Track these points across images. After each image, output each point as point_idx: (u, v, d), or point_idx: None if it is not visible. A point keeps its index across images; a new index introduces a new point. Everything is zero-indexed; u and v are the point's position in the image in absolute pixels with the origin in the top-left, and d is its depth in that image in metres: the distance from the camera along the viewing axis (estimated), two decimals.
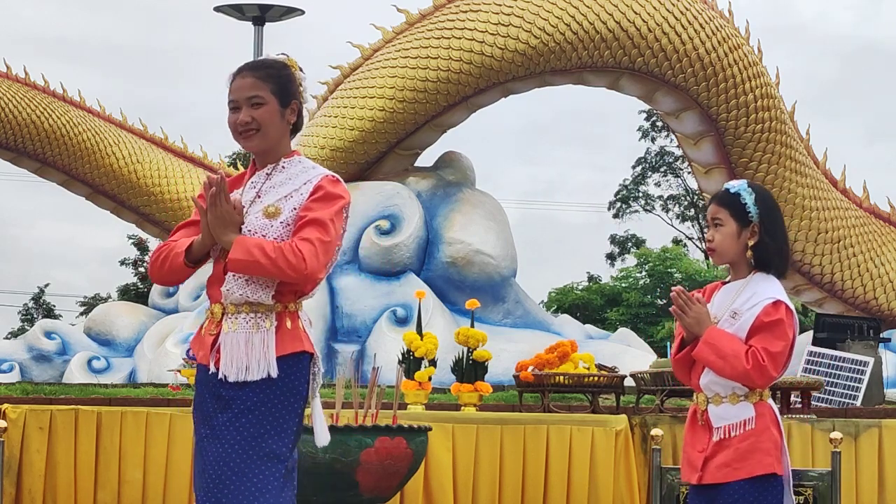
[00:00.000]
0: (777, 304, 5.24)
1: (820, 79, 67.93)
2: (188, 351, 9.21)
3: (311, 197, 4.90)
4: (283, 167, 4.97)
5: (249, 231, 4.86)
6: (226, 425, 4.80)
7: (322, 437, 5.02)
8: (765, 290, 5.28)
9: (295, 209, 4.90)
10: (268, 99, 4.93)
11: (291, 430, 4.87)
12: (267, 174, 4.97)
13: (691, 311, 5.28)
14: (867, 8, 69.36)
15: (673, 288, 5.32)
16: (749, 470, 5.20)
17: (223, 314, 4.89)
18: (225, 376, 4.82)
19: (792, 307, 5.30)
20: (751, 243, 5.32)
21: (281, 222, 4.88)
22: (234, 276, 4.85)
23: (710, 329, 5.25)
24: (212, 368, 4.85)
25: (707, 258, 46.95)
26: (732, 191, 5.36)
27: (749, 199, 5.32)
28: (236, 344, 4.83)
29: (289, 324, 4.90)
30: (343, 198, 4.94)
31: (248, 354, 4.82)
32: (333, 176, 4.98)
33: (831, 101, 68.14)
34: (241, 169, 5.31)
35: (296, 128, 5.04)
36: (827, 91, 67.66)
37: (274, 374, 4.80)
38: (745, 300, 5.28)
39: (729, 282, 5.40)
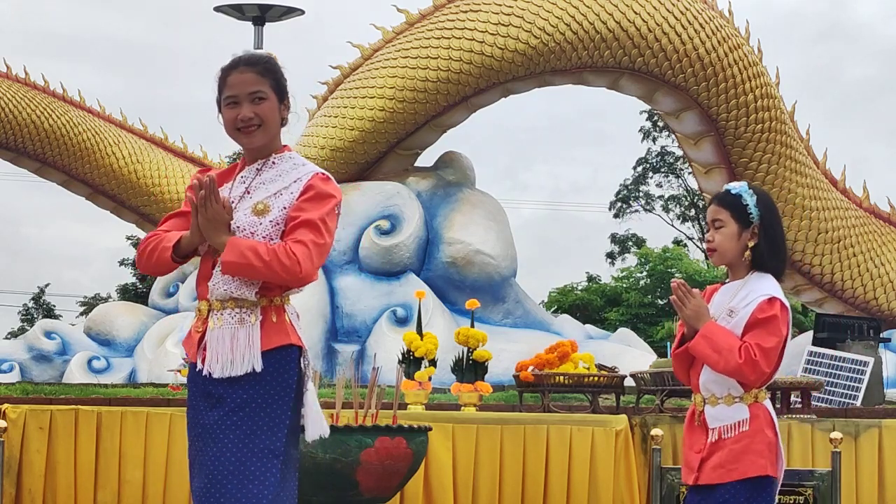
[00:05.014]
0: (772, 300, 5.27)
1: (855, 77, 67.99)
2: None
3: (303, 196, 4.86)
4: (273, 163, 4.92)
5: (238, 228, 4.82)
6: (217, 424, 4.78)
7: (313, 431, 4.93)
8: (760, 287, 5.31)
9: (285, 208, 4.85)
10: (268, 94, 4.89)
11: (284, 424, 4.82)
12: (257, 170, 4.92)
13: (690, 303, 5.30)
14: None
15: (673, 279, 5.36)
16: (742, 471, 5.21)
17: (209, 311, 4.86)
18: (210, 373, 4.79)
19: (787, 303, 5.32)
20: (751, 245, 5.34)
21: (270, 221, 4.84)
22: (219, 271, 4.82)
23: (709, 324, 5.28)
24: (199, 365, 4.83)
25: (707, 258, 46.98)
26: (734, 192, 5.38)
27: (750, 200, 5.34)
28: (221, 340, 4.80)
29: (274, 318, 4.86)
30: (335, 196, 4.90)
31: (233, 349, 4.79)
32: (324, 174, 4.94)
33: (868, 100, 68.20)
34: None
35: (282, 123, 5.00)
36: (863, 90, 67.71)
37: (258, 368, 4.77)
38: (742, 298, 5.31)
39: (727, 282, 5.43)
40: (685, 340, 5.37)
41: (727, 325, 5.28)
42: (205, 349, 4.84)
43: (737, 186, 5.41)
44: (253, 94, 4.86)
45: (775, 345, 5.24)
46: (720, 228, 5.35)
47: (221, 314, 4.83)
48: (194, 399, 4.88)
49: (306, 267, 4.77)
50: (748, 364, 5.19)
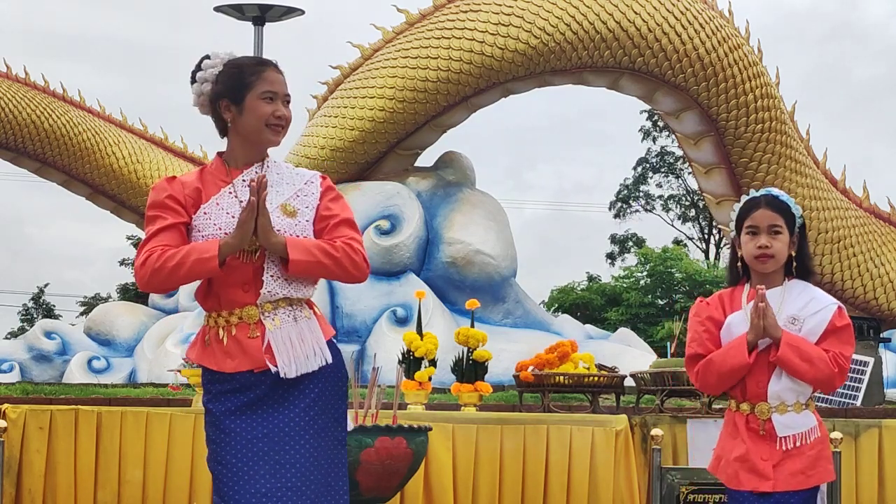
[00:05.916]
0: (842, 309, 5.29)
1: (863, 77, 67.97)
2: None
3: (327, 196, 4.95)
4: (268, 166, 4.97)
5: (278, 230, 4.83)
6: (289, 424, 4.81)
7: None
8: (822, 296, 5.28)
9: (310, 208, 4.91)
10: (290, 100, 5.01)
11: (345, 413, 4.94)
12: (256, 173, 4.93)
13: (770, 312, 5.19)
14: None
15: (758, 287, 5.19)
16: (819, 477, 5.27)
17: (261, 314, 4.84)
18: (285, 374, 4.80)
19: None
20: (793, 253, 5.31)
21: (307, 221, 4.89)
22: (272, 275, 4.82)
23: (787, 333, 5.20)
24: (273, 369, 4.80)
25: (707, 258, 46.94)
26: (782, 199, 5.31)
27: (796, 210, 5.31)
28: (287, 339, 4.83)
29: (317, 310, 4.97)
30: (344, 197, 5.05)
31: (302, 346, 4.84)
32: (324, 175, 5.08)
33: (872, 100, 68.20)
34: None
35: None
36: (870, 89, 67.70)
37: (329, 360, 4.85)
38: (803, 306, 5.25)
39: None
40: (751, 349, 5.22)
41: (795, 333, 5.22)
42: (268, 352, 4.81)
43: (781, 194, 5.34)
44: (287, 95, 4.97)
45: (851, 353, 5.27)
46: (778, 235, 5.25)
47: (275, 315, 4.85)
48: (248, 406, 4.82)
49: (368, 262, 4.92)
50: (842, 373, 5.20)
